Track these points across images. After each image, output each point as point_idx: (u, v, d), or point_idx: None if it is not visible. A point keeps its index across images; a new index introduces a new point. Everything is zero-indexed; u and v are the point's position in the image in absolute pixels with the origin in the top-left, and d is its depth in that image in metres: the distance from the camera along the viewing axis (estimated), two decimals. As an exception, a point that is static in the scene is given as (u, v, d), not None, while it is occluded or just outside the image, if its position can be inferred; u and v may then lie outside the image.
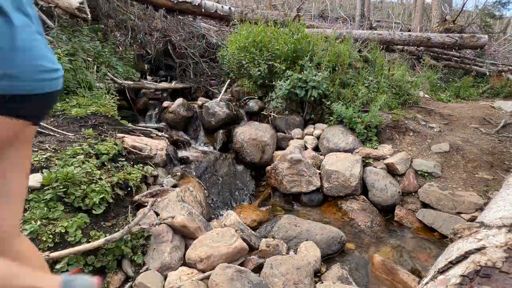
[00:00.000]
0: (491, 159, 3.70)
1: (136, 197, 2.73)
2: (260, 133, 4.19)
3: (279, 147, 4.35)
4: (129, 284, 2.15)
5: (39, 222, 1.98)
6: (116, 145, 2.95)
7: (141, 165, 3.06)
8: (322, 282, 2.33)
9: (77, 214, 2.18)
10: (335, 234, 2.86)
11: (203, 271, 2.25)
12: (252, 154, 4.10)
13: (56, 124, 3.11)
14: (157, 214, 2.62)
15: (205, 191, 3.47)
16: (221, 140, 4.48)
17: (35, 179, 2.18)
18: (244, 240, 2.56)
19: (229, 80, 5.61)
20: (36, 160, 2.36)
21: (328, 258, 2.74)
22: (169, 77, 6.36)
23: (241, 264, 2.40)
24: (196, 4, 6.56)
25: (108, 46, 4.85)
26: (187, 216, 2.54)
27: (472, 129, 4.32)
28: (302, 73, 4.30)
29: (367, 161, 3.81)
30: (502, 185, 2.70)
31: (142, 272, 2.20)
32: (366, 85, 4.65)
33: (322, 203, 3.71)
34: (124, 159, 2.94)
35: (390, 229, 3.29)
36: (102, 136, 3.03)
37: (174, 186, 3.19)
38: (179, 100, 4.66)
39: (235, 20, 6.23)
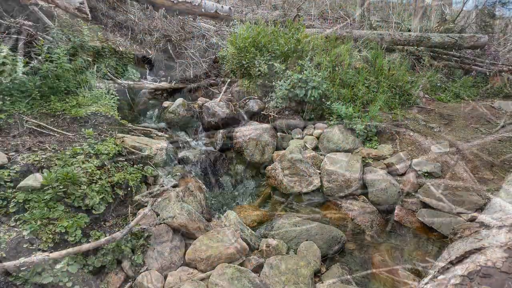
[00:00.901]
0: (491, 159, 3.70)
1: (136, 197, 2.74)
2: (260, 133, 4.19)
3: (279, 147, 4.36)
4: (129, 284, 2.15)
5: (39, 222, 1.98)
6: (116, 145, 2.95)
7: (141, 165, 3.06)
8: (322, 282, 2.33)
9: (77, 214, 2.18)
10: (335, 234, 2.86)
11: (203, 271, 2.25)
12: (252, 154, 4.10)
13: (56, 124, 3.11)
14: (157, 214, 2.62)
15: (205, 191, 3.47)
16: (221, 140, 4.48)
17: (35, 179, 2.18)
18: (244, 240, 2.56)
19: (229, 80, 5.61)
20: (36, 160, 2.36)
21: (328, 258, 2.74)
22: (169, 77, 6.36)
23: (241, 264, 2.40)
24: (196, 4, 6.56)
25: (108, 46, 4.85)
26: (187, 216, 2.54)
27: (472, 129, 4.32)
28: (302, 73, 4.30)
29: (367, 161, 3.81)
30: (502, 185, 2.70)
31: (142, 272, 2.20)
32: (366, 85, 4.64)
33: (322, 203, 3.71)
34: (124, 159, 2.94)
35: (390, 229, 3.29)
36: (102, 136, 3.03)
37: (174, 186, 3.19)
38: (179, 100, 4.66)
39: (235, 20, 6.22)
